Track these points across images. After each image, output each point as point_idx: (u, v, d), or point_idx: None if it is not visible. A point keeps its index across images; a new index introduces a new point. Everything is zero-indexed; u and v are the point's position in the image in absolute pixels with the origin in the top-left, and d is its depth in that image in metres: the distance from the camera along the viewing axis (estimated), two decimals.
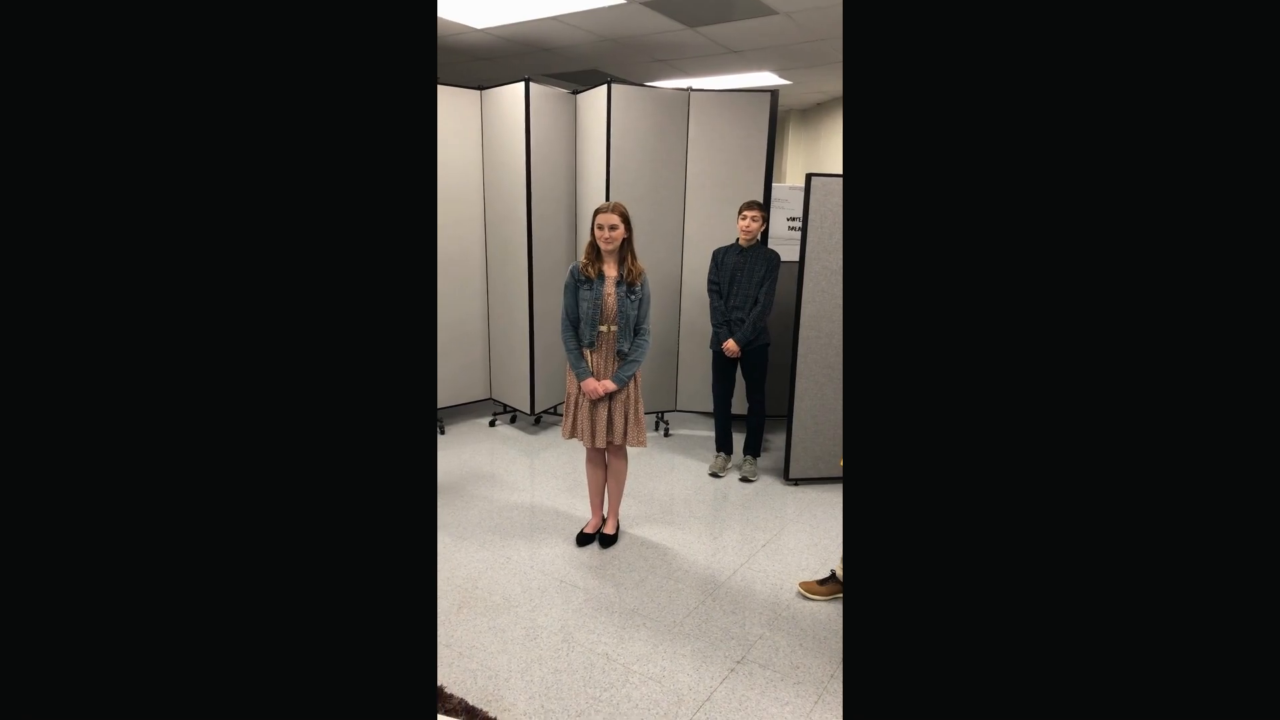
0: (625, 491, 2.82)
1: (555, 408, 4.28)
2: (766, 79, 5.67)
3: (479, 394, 4.33)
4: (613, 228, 2.46)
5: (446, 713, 1.78)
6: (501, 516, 3.00)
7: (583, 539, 2.77)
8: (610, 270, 2.53)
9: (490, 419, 4.32)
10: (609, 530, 2.79)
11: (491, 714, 1.78)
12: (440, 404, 4.10)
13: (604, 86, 3.66)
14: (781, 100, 6.90)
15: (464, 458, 3.71)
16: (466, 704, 1.81)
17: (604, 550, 2.72)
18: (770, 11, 3.32)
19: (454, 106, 3.89)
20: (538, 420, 4.21)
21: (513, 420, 4.32)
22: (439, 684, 1.89)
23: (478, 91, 3.94)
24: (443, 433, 4.10)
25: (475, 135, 3.99)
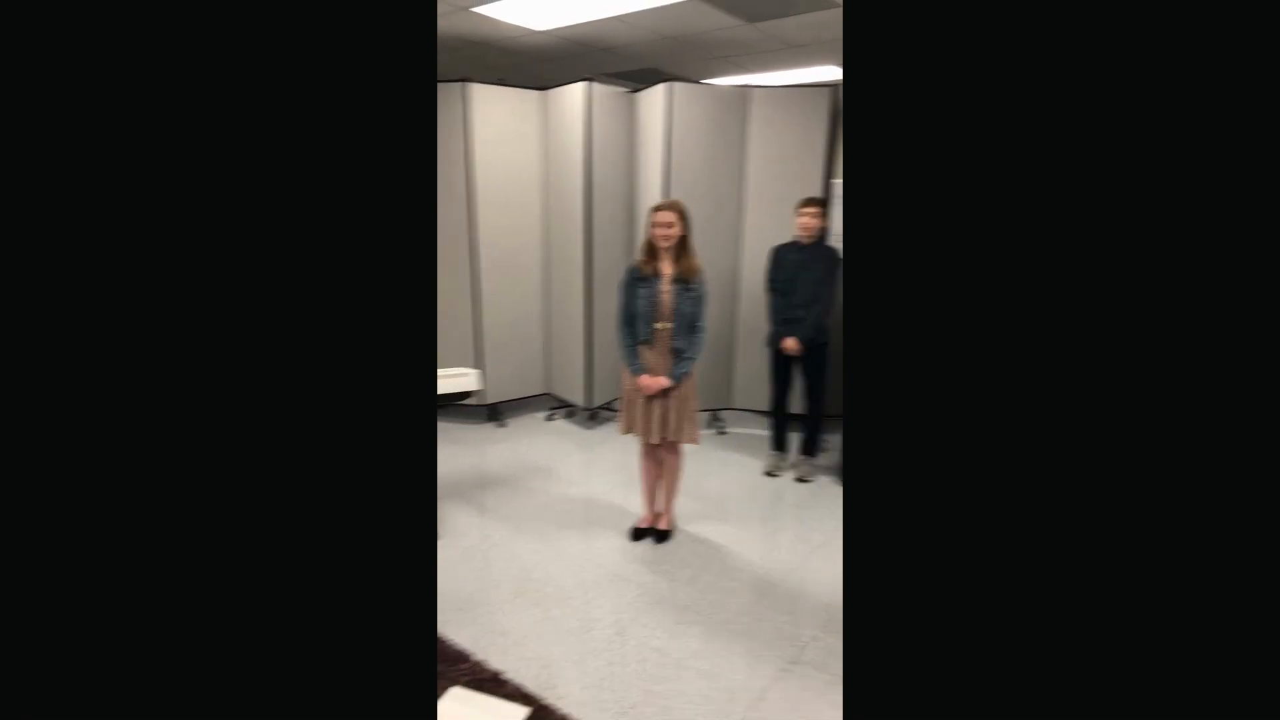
0: (679, 488, 2.83)
1: (610, 403, 4.33)
2: (827, 73, 5.56)
3: (536, 389, 4.41)
4: (668, 225, 2.48)
5: (504, 697, 1.83)
6: (557, 509, 3.06)
7: (636, 534, 2.79)
8: (666, 268, 2.54)
9: (547, 413, 4.40)
10: (663, 526, 2.80)
11: (547, 701, 1.83)
12: (499, 398, 4.20)
13: (662, 85, 3.67)
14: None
15: (521, 451, 3.80)
16: (522, 690, 1.87)
17: (657, 545, 2.74)
18: (832, 5, 3.26)
19: (515, 108, 3.97)
20: (593, 415, 4.26)
21: (569, 415, 4.39)
22: (496, 670, 1.95)
23: (538, 92, 4.01)
24: (504, 426, 4.20)
25: (536, 136, 4.06)
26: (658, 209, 2.52)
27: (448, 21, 3.57)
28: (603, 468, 3.58)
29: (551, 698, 1.85)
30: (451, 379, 2.86)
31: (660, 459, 2.76)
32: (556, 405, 4.46)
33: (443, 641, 2.08)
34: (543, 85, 4.01)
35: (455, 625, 2.17)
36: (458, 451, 3.78)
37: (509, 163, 4.01)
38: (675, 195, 3.63)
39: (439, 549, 2.69)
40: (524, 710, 1.79)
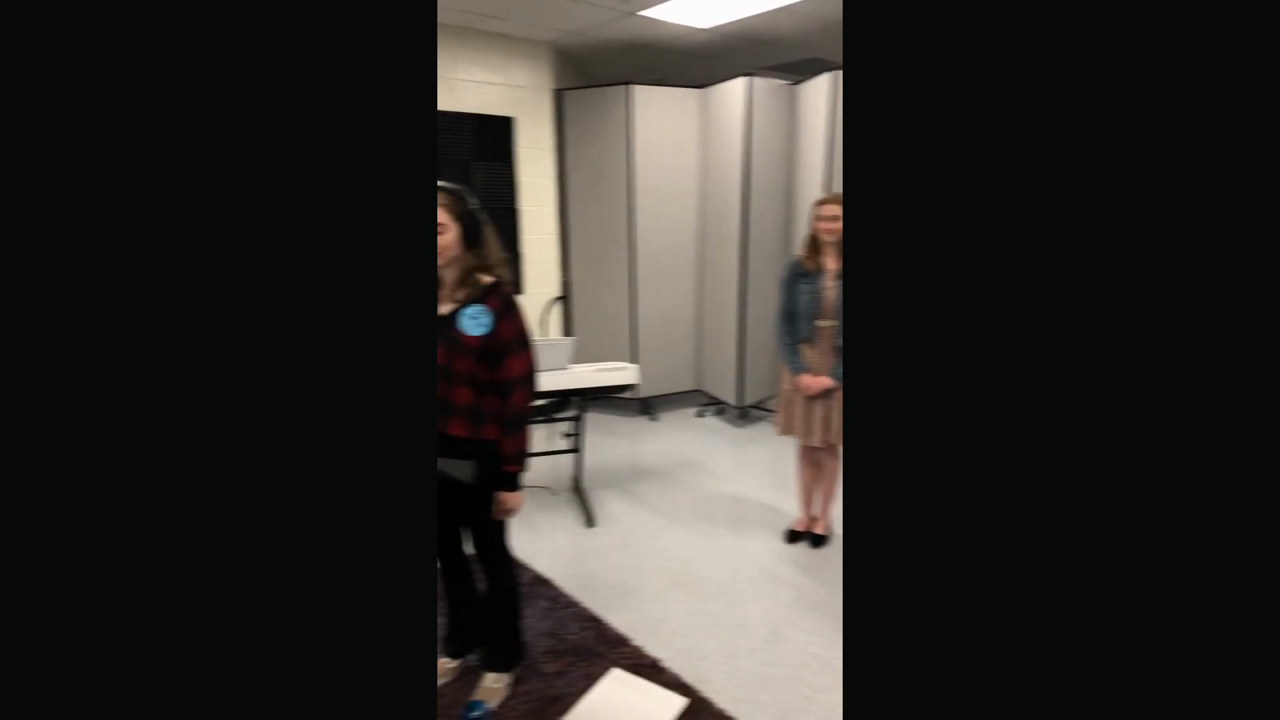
0: (838, 493, 2.73)
1: (762, 402, 4.26)
2: None
3: (686, 385, 4.46)
4: (835, 218, 2.39)
5: (662, 684, 1.87)
6: (709, 505, 3.07)
7: (792, 536, 2.73)
8: (831, 263, 2.45)
9: (697, 410, 4.42)
10: (819, 531, 2.72)
11: (704, 694, 1.84)
12: (651, 393, 4.29)
13: (827, 75, 3.55)
14: None
15: (673, 445, 3.85)
16: (680, 680, 1.89)
17: (814, 549, 2.66)
18: None
19: (674, 107, 4.03)
20: (744, 414, 4.22)
21: (719, 412, 4.38)
22: (655, 658, 1.99)
23: (698, 90, 4.04)
24: (655, 420, 4.29)
25: (693, 133, 4.09)
26: (823, 202, 2.44)
27: (612, 28, 3.69)
28: (754, 467, 3.54)
29: (708, 691, 1.86)
30: (610, 372, 2.97)
31: (819, 462, 2.67)
32: (707, 402, 4.47)
33: (602, 623, 2.16)
34: (700, 83, 4.04)
35: (613, 610, 2.25)
36: (612, 442, 3.91)
37: (667, 161, 4.07)
38: (840, 187, 3.50)
39: (595, 535, 2.81)
40: (682, 700, 1.81)
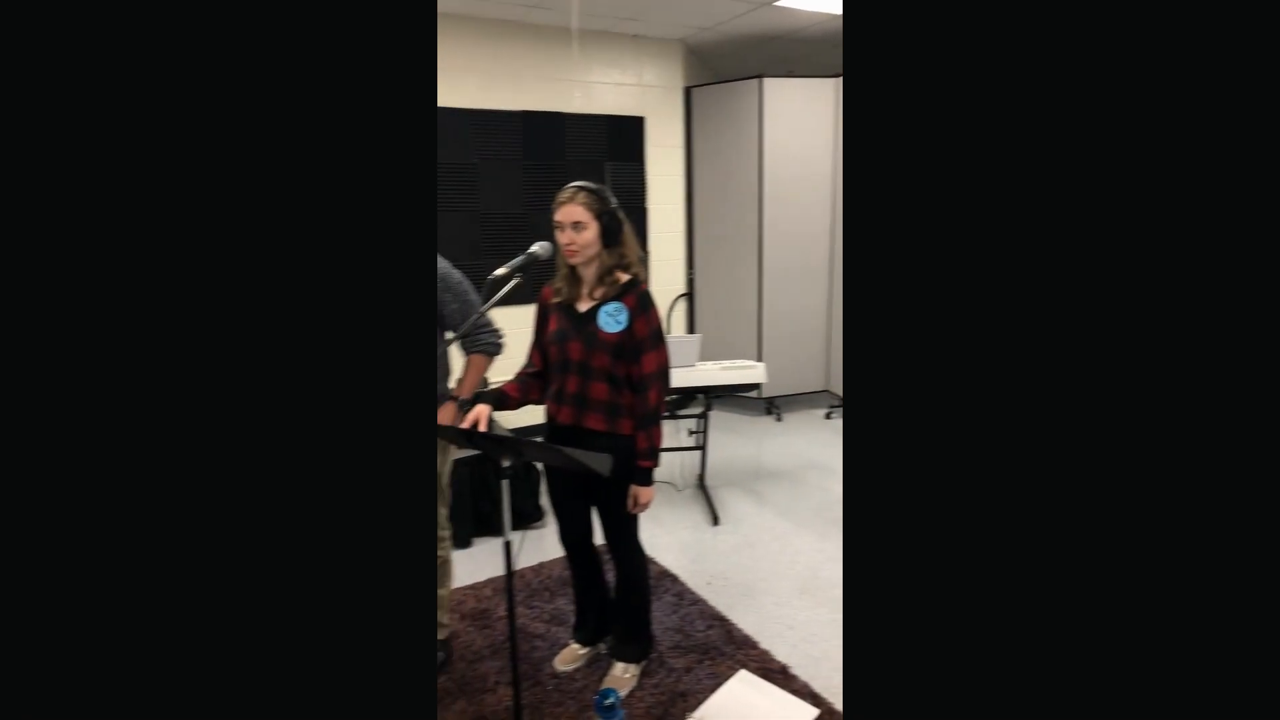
0: None
1: None
2: None
3: (816, 385, 4.32)
4: None
5: (792, 692, 1.82)
6: (837, 509, 2.96)
7: None
8: None
9: (826, 411, 4.28)
10: None
11: (837, 707, 1.77)
12: (776, 392, 4.20)
13: None
14: None
15: (799, 447, 3.75)
16: (810, 689, 1.84)
17: None
18: None
19: (807, 98, 3.91)
20: None
21: None
22: (784, 663, 1.95)
23: (832, 80, 3.89)
24: (780, 420, 4.20)
25: (828, 124, 3.95)
26: None
27: (744, 21, 3.64)
28: None
29: (841, 704, 1.79)
30: (737, 370, 2.93)
31: None
32: (836, 403, 4.31)
33: (729, 623, 2.14)
34: (835, 72, 3.89)
35: (739, 610, 2.22)
36: (736, 441, 3.87)
37: (800, 154, 3.96)
38: None
39: (719, 533, 2.79)
40: (813, 710, 1.76)
